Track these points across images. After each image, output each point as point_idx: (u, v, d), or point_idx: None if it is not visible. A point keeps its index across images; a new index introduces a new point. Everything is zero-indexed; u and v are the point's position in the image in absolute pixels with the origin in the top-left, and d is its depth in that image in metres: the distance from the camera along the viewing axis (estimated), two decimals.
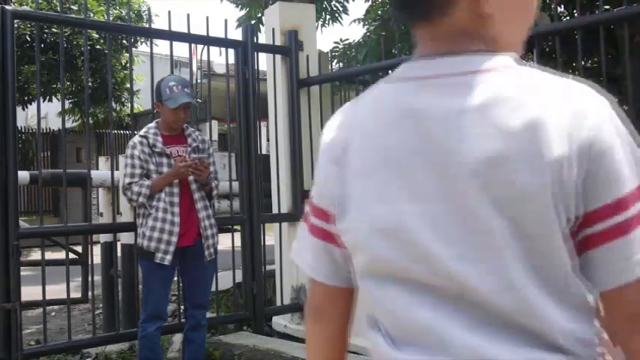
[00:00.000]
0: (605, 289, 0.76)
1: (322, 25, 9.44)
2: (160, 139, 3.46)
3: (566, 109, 0.74)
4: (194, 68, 10.57)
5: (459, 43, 0.82)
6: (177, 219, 3.36)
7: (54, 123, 14.11)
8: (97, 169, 5.73)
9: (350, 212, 0.85)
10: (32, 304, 4.88)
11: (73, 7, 11.18)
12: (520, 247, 0.74)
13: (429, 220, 0.78)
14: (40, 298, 3.73)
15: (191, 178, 3.45)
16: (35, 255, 7.36)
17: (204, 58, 5.14)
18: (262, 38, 5.28)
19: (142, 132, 3.50)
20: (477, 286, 0.75)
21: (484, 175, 0.74)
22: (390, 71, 6.98)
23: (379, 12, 8.76)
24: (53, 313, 6.11)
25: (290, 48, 4.73)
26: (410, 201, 0.79)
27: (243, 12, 8.93)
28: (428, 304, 0.79)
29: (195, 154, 3.51)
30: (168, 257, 3.34)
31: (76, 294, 5.24)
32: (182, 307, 4.09)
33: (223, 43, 4.52)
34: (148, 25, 5.72)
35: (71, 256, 4.61)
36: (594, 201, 0.74)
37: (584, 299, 0.78)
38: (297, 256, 0.98)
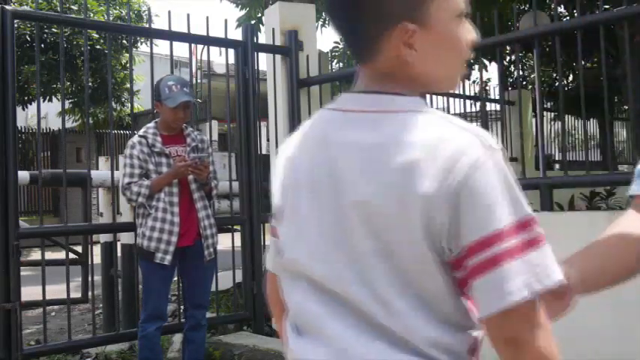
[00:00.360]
0: (481, 317, 0.86)
1: (322, 25, 9.44)
2: (159, 138, 3.46)
3: (442, 154, 0.84)
4: (194, 68, 10.57)
5: (383, 83, 0.95)
6: (176, 219, 3.36)
7: (54, 123, 14.10)
8: (97, 169, 5.72)
9: (278, 218, 1.05)
10: (32, 304, 4.88)
11: (73, 7, 11.18)
12: (390, 267, 0.87)
13: (322, 236, 0.93)
14: (40, 298, 3.73)
15: (190, 177, 3.45)
16: (35, 255, 7.36)
17: (204, 58, 5.14)
18: (262, 38, 5.28)
19: (140, 132, 3.50)
20: (354, 296, 0.90)
21: (363, 208, 0.88)
22: None
23: None
24: (53, 313, 6.11)
25: (290, 48, 4.73)
26: (309, 216, 0.95)
27: (243, 12, 8.93)
28: (321, 302, 0.94)
29: (194, 153, 3.50)
30: (168, 257, 3.34)
31: (76, 294, 5.23)
32: (182, 307, 4.09)
33: (223, 43, 4.52)
34: (148, 25, 5.72)
35: (71, 256, 4.61)
36: (468, 236, 0.83)
37: (461, 317, 0.90)
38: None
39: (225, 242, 4.64)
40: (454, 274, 0.88)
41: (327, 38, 51.52)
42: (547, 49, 10.59)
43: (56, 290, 4.49)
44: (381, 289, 0.88)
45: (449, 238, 0.85)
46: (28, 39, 10.41)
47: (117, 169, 4.30)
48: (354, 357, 0.89)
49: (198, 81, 8.84)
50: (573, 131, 12.94)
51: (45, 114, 14.19)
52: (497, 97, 8.41)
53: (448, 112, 4.54)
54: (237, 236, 4.53)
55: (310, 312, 0.95)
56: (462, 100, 6.81)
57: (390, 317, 0.87)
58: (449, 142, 0.85)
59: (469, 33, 0.97)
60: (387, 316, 0.88)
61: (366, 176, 0.88)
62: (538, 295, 0.83)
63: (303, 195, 0.97)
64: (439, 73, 0.97)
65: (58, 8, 4.66)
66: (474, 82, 10.43)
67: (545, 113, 10.84)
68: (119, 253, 4.81)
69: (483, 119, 7.03)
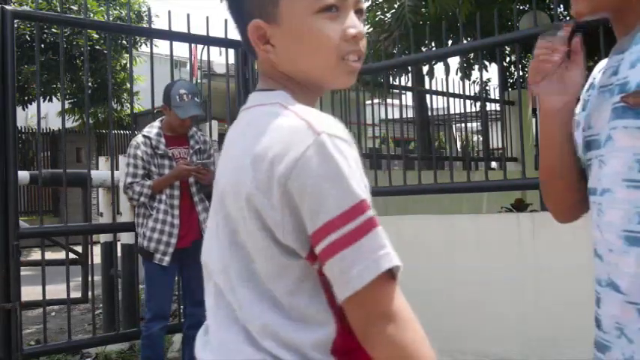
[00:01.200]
0: (339, 303, 0.86)
1: None
2: (162, 140, 3.48)
3: (272, 148, 0.86)
4: (195, 70, 10.57)
5: (265, 81, 1.01)
6: (176, 221, 3.38)
7: (54, 123, 14.11)
8: (97, 169, 5.72)
9: None
10: (32, 304, 4.88)
11: (73, 7, 11.18)
12: (238, 255, 0.91)
13: (209, 233, 1.01)
14: (40, 298, 3.73)
15: (192, 180, 3.47)
16: (35, 255, 7.36)
17: (204, 58, 5.14)
18: None
19: (144, 131, 3.52)
20: (220, 285, 0.95)
21: (222, 202, 0.94)
22: (390, 71, 7.04)
23: (378, 14, 8.76)
24: (53, 313, 6.12)
25: None
26: (211, 215, 1.03)
27: None
28: (212, 295, 0.98)
29: (196, 156, 3.52)
30: (167, 258, 3.36)
31: (76, 294, 5.24)
32: (182, 307, 4.09)
33: (223, 43, 4.52)
34: (148, 25, 5.72)
35: (71, 256, 4.61)
36: (309, 228, 0.85)
37: (307, 310, 0.89)
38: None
39: None
40: (314, 266, 0.88)
41: None
42: None
43: (56, 290, 4.50)
44: (231, 275, 0.92)
45: (286, 231, 0.86)
46: (28, 39, 10.41)
47: (117, 169, 4.30)
48: (229, 351, 0.91)
49: (199, 81, 8.84)
50: None
51: (45, 114, 14.20)
52: (497, 97, 8.43)
53: (448, 112, 4.54)
54: None
55: (208, 306, 0.99)
56: (461, 100, 6.82)
57: (240, 309, 0.91)
58: (279, 136, 0.87)
59: (341, 27, 0.95)
60: (237, 304, 0.91)
61: (225, 171, 0.96)
62: (377, 280, 0.82)
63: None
64: (302, 67, 0.97)
65: (58, 8, 4.66)
66: (474, 82, 10.44)
67: None
68: (119, 253, 4.80)
69: (483, 119, 7.03)
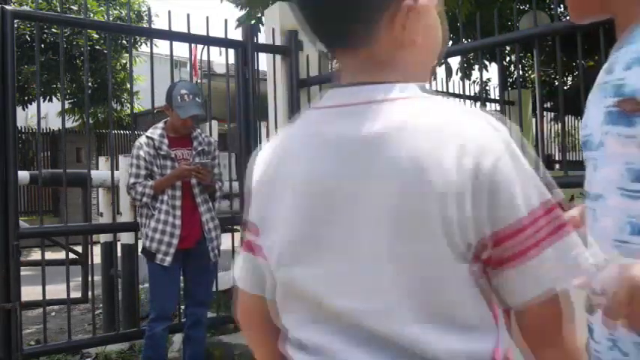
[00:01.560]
0: (515, 305, 0.84)
1: None
2: (165, 141, 3.50)
3: (459, 143, 0.78)
4: (195, 70, 10.56)
5: (375, 72, 0.87)
6: (178, 221, 3.39)
7: (54, 123, 14.10)
8: (97, 169, 5.73)
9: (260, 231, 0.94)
10: (32, 304, 4.88)
11: (73, 7, 11.18)
12: (410, 277, 0.81)
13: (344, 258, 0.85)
14: (40, 298, 3.73)
15: (194, 181, 3.48)
16: (35, 255, 7.36)
17: (205, 58, 5.14)
18: (262, 38, 5.27)
19: (148, 132, 3.54)
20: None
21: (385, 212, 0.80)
22: None
23: None
24: (53, 313, 6.11)
25: (290, 48, 4.73)
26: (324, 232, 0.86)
27: (243, 12, 8.93)
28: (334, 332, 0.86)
29: (199, 157, 3.53)
30: (168, 259, 3.38)
31: (76, 294, 5.23)
32: (182, 307, 4.09)
33: (223, 43, 4.52)
34: (148, 25, 5.73)
35: (71, 256, 4.61)
36: (497, 224, 0.79)
37: (481, 319, 0.83)
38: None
39: (226, 242, 4.63)
40: (473, 268, 0.81)
41: None
42: (547, 49, 10.59)
43: (56, 290, 4.49)
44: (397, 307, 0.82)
45: (477, 229, 0.79)
46: (28, 39, 10.41)
47: (117, 169, 4.30)
48: None
49: (199, 81, 8.84)
50: (573, 131, 12.93)
51: (45, 114, 14.18)
52: (497, 97, 8.42)
53: None
54: (238, 236, 4.53)
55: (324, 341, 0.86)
56: (462, 100, 6.81)
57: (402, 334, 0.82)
58: (463, 134, 0.79)
59: (444, 26, 0.93)
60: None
61: (382, 172, 0.81)
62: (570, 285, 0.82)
63: (303, 206, 0.86)
64: (423, 59, 0.91)
65: (58, 8, 4.66)
66: (474, 82, 10.44)
67: (545, 113, 10.84)
68: (119, 253, 4.81)
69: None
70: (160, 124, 3.57)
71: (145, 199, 3.40)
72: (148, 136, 3.51)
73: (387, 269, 0.80)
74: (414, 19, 0.85)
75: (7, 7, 3.63)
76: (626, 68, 0.98)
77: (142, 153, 3.45)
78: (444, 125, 0.80)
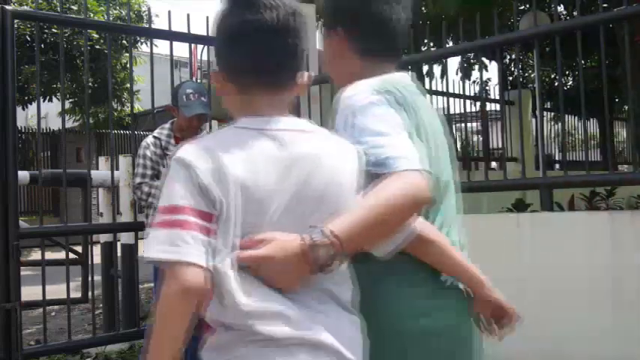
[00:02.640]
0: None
1: (322, 25, 9.42)
2: (172, 141, 3.51)
3: (349, 153, 1.24)
4: (195, 70, 10.56)
5: (285, 109, 1.23)
6: None
7: (54, 123, 14.11)
8: (97, 169, 5.72)
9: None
10: (32, 304, 4.87)
11: (73, 7, 11.19)
12: None
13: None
14: (40, 298, 3.73)
15: None
16: (35, 255, 7.36)
17: (205, 58, 5.14)
18: None
19: (155, 132, 3.56)
20: None
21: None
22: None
23: None
24: (53, 313, 6.11)
25: None
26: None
27: None
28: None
29: None
30: None
31: (76, 294, 5.23)
32: None
33: None
34: (148, 25, 5.72)
35: (71, 256, 4.61)
36: None
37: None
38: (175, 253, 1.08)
39: None
40: None
41: None
42: (547, 49, 10.60)
43: (56, 290, 4.49)
44: None
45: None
46: (28, 39, 10.42)
47: (117, 169, 4.29)
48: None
49: (198, 81, 8.84)
50: (573, 131, 12.93)
51: (45, 114, 14.18)
52: (497, 97, 8.42)
53: (448, 112, 4.54)
54: None
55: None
56: (461, 100, 6.81)
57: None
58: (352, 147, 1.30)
59: None
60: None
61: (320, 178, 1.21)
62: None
63: (279, 208, 1.14)
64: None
65: (58, 8, 4.66)
66: (474, 82, 10.44)
67: (545, 113, 10.84)
68: (119, 253, 4.81)
69: (483, 119, 7.03)
70: (167, 125, 3.59)
71: (150, 199, 3.42)
72: (155, 136, 3.53)
73: None
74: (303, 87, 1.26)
75: (7, 7, 3.62)
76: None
77: (148, 153, 3.47)
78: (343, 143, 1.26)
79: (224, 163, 1.10)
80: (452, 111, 6.09)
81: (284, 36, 1.18)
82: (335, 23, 1.47)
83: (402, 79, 1.42)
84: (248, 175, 1.10)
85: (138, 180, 3.46)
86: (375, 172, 1.21)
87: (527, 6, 9.98)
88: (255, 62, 1.18)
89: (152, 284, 5.80)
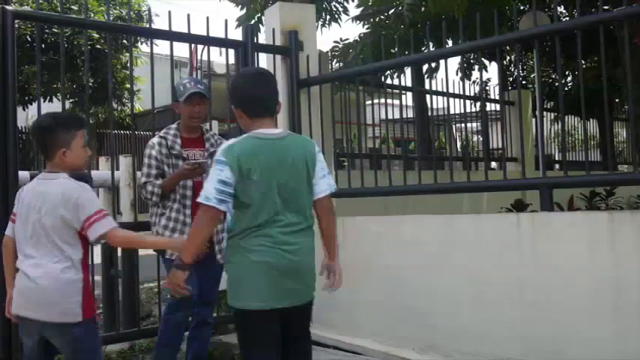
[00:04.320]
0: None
1: (322, 26, 9.44)
2: (178, 141, 3.53)
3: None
4: (195, 70, 10.56)
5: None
6: (188, 220, 3.42)
7: None
8: (97, 169, 5.72)
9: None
10: None
11: (73, 7, 11.19)
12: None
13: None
14: None
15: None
16: None
17: (205, 58, 5.14)
18: (262, 38, 5.28)
19: (162, 132, 3.58)
20: None
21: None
22: (389, 71, 7.03)
23: (369, 3, 8.76)
24: None
25: (290, 48, 4.73)
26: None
27: (243, 12, 8.94)
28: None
29: (211, 158, 3.54)
30: (177, 253, 3.38)
31: None
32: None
33: (223, 43, 4.52)
34: (148, 25, 5.73)
35: None
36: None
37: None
38: None
39: None
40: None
41: (327, 38, 51.70)
42: (547, 49, 10.60)
43: None
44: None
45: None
46: (29, 39, 10.42)
47: (117, 169, 4.30)
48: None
49: None
50: (573, 131, 12.94)
51: None
52: (497, 97, 8.42)
53: (448, 112, 4.54)
54: None
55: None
56: (461, 100, 6.82)
57: None
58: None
59: None
60: None
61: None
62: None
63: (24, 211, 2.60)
64: None
65: (59, 8, 4.66)
66: (474, 82, 10.45)
67: (545, 113, 10.84)
68: (119, 253, 4.81)
69: (483, 119, 7.04)
70: (174, 125, 3.61)
71: (154, 198, 3.45)
72: (161, 136, 3.55)
73: None
74: None
75: (8, 7, 3.63)
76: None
77: (154, 152, 3.49)
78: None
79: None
80: (452, 111, 6.10)
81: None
82: (233, 102, 2.52)
83: (266, 130, 2.46)
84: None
85: (143, 179, 3.48)
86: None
87: (527, 6, 9.98)
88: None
89: (152, 284, 5.81)
